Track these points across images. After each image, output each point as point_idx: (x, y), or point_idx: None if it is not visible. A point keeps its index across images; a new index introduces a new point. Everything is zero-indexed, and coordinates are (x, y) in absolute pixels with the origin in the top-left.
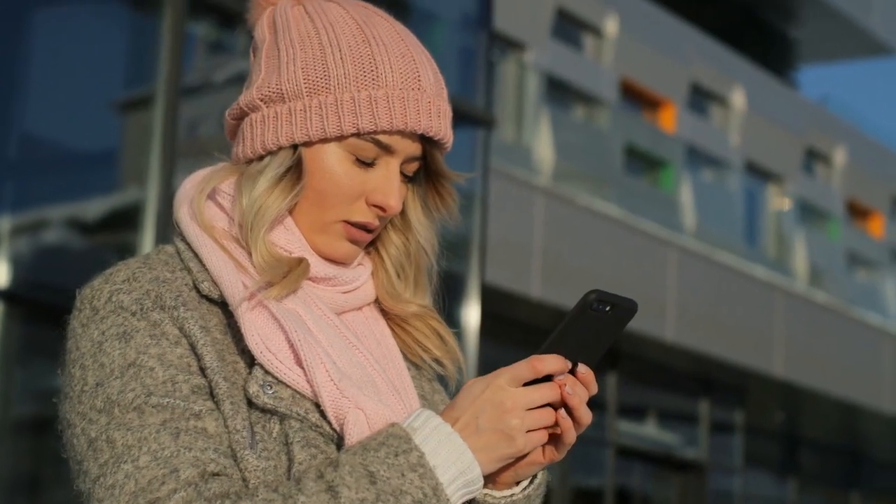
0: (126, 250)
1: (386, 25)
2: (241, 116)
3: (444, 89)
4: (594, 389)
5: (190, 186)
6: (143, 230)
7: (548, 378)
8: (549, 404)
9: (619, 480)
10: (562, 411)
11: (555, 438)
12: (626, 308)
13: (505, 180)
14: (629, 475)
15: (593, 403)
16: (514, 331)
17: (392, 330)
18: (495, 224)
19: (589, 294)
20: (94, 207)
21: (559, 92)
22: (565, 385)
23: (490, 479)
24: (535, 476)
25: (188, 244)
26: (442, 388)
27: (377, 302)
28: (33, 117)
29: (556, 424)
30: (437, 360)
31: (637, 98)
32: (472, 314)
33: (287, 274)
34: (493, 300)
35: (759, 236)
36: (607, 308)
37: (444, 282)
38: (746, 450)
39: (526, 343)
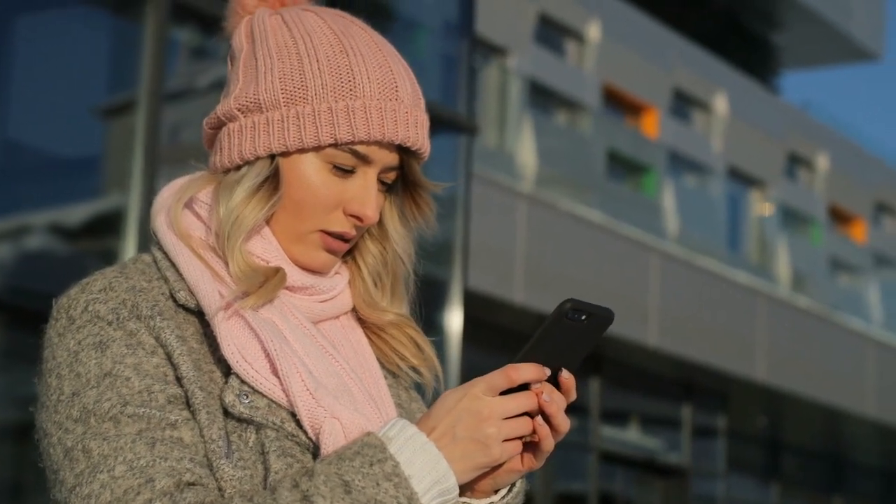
0: (108, 256)
1: (363, 35)
2: (219, 126)
3: (422, 99)
4: (573, 396)
5: (167, 195)
6: (126, 236)
7: (525, 386)
8: (526, 413)
9: (602, 486)
10: (539, 419)
11: (533, 446)
12: (602, 317)
13: (487, 186)
14: (612, 480)
15: (576, 409)
16: (496, 336)
17: (369, 338)
18: (478, 230)
19: (564, 303)
20: (77, 213)
21: (542, 97)
22: (542, 393)
23: (468, 488)
24: (513, 484)
25: (165, 253)
26: (419, 396)
27: (354, 310)
28: (15, 123)
29: (534, 432)
30: (414, 369)
31: (619, 103)
32: (454, 319)
33: (264, 283)
34: (476, 305)
35: (741, 241)
36: (583, 317)
37: (427, 287)
38: (729, 455)
39: (508, 348)
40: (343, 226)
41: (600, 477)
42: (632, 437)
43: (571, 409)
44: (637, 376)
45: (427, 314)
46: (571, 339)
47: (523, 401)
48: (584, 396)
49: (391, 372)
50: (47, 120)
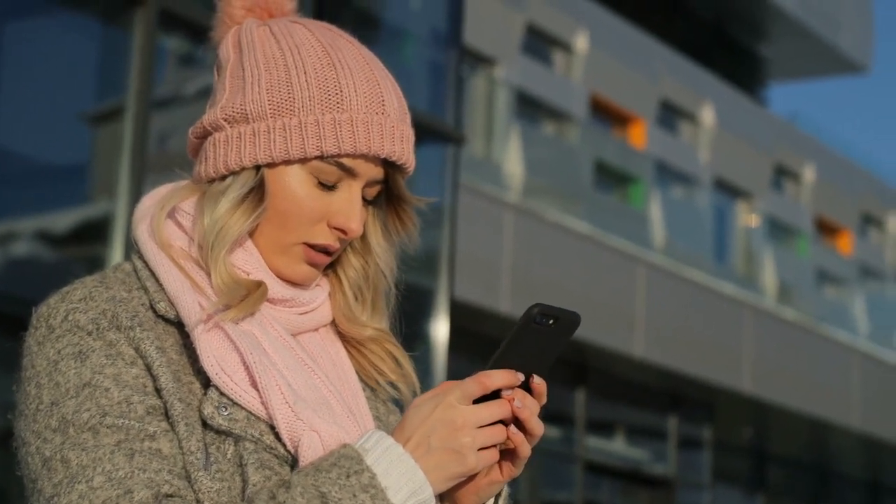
0: (95, 263)
1: (351, 49)
2: (205, 135)
3: (408, 114)
4: (544, 400)
5: (149, 204)
6: (113, 243)
7: (496, 393)
8: (499, 420)
9: (587, 496)
10: (512, 427)
11: (511, 454)
12: (569, 320)
13: (474, 196)
14: (597, 491)
15: (561, 419)
16: (482, 346)
17: (348, 352)
18: (465, 239)
19: (532, 308)
20: (64, 220)
21: (529, 108)
22: (514, 399)
23: (452, 503)
24: (498, 495)
25: (145, 262)
26: (397, 409)
27: (334, 324)
28: (2, 129)
29: (509, 439)
30: (392, 384)
31: (607, 114)
32: (440, 329)
33: (245, 297)
34: (462, 315)
35: (728, 253)
36: (550, 321)
37: (413, 297)
38: (715, 466)
39: None
40: (327, 238)
41: (586, 487)
42: (618, 447)
43: (557, 419)
44: (623, 387)
45: (413, 324)
46: (540, 343)
47: (497, 409)
48: (569, 407)
49: (369, 385)
50: (35, 126)
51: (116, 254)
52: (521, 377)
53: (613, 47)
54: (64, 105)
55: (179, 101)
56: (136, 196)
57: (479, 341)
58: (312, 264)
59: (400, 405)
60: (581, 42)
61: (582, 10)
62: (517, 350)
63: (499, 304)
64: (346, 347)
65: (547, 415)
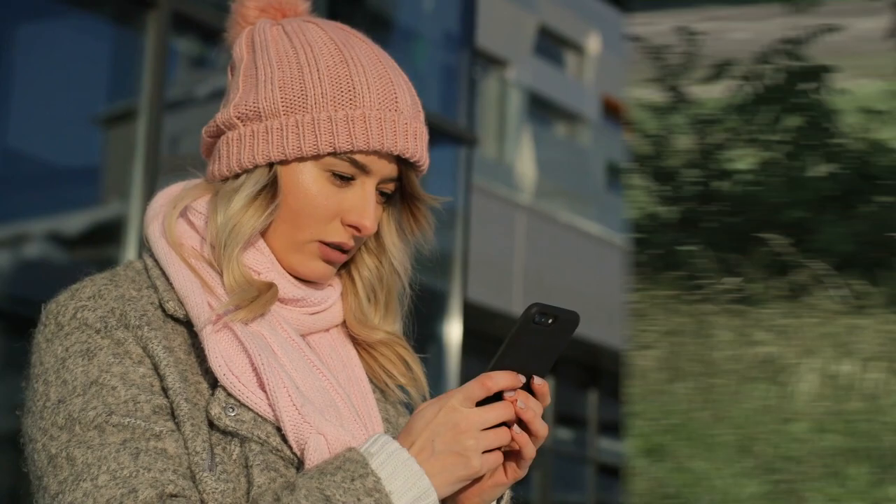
0: (107, 265)
1: (364, 47)
2: (218, 134)
3: (421, 112)
4: (547, 401)
5: (162, 202)
6: (125, 245)
7: (499, 395)
8: (503, 423)
9: (599, 497)
10: (516, 427)
11: (515, 455)
12: (568, 320)
13: (487, 197)
14: (610, 492)
15: (574, 420)
16: (495, 347)
17: (359, 353)
18: (477, 241)
19: (530, 307)
20: (76, 222)
21: (541, 109)
22: (517, 401)
23: None
24: (500, 499)
25: (156, 261)
26: (407, 412)
27: (345, 325)
28: (15, 132)
29: (513, 440)
30: (402, 388)
31: (619, 116)
32: (453, 330)
33: (256, 298)
34: (475, 316)
35: None
36: (549, 320)
37: (426, 298)
38: None
39: None
40: (341, 236)
41: (598, 489)
42: None
43: (569, 421)
44: None
45: (426, 325)
46: (541, 343)
47: (500, 411)
48: (582, 408)
49: (379, 387)
50: (47, 128)
51: (129, 256)
52: (522, 378)
53: (625, 49)
54: (76, 107)
55: (192, 103)
56: (148, 198)
57: (491, 343)
58: (328, 261)
59: (411, 409)
60: (593, 43)
61: (594, 12)
62: (517, 350)
63: (511, 305)
64: (356, 349)
65: (559, 416)
